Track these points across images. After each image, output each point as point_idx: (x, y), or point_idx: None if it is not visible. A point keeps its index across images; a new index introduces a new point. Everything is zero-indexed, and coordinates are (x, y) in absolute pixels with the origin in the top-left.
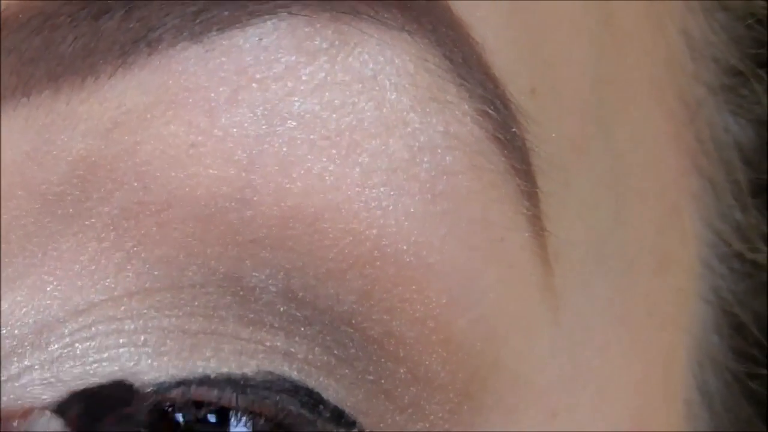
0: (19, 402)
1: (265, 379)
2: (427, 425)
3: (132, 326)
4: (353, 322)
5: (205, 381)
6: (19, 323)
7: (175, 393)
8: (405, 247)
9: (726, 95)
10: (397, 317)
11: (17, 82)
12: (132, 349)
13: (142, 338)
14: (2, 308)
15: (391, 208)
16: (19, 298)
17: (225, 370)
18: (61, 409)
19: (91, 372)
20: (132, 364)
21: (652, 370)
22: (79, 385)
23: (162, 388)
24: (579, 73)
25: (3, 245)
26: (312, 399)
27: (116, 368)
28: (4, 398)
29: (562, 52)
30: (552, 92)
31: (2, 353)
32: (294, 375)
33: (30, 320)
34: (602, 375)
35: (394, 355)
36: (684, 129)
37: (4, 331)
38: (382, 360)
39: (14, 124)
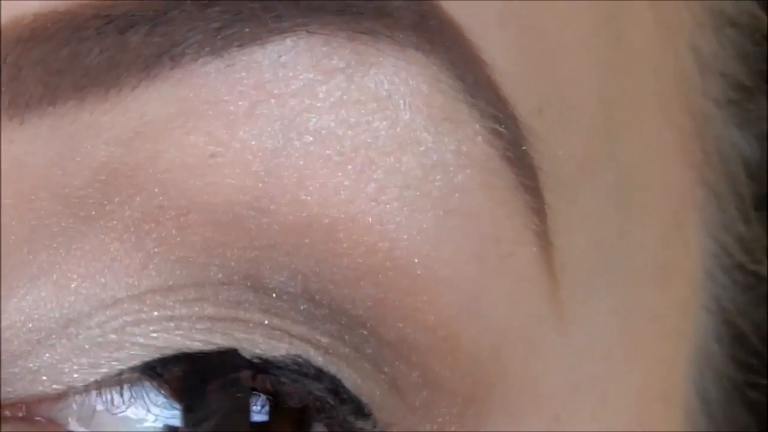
0: (53, 386)
1: (294, 362)
2: (435, 427)
3: (159, 315)
4: (368, 325)
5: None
6: (45, 317)
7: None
8: (416, 260)
9: (732, 109)
10: (410, 324)
11: (44, 92)
12: (165, 334)
13: (171, 325)
14: (27, 303)
15: (403, 223)
16: (43, 294)
17: (257, 351)
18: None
19: (126, 357)
20: (168, 344)
21: (654, 377)
22: (117, 366)
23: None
24: (587, 92)
25: (28, 244)
26: (334, 386)
27: (152, 351)
28: (37, 385)
29: (570, 71)
30: (559, 111)
31: (29, 345)
32: (320, 361)
33: (56, 314)
34: (605, 382)
35: (407, 359)
36: (690, 142)
37: (30, 325)
38: (396, 363)
39: (40, 132)
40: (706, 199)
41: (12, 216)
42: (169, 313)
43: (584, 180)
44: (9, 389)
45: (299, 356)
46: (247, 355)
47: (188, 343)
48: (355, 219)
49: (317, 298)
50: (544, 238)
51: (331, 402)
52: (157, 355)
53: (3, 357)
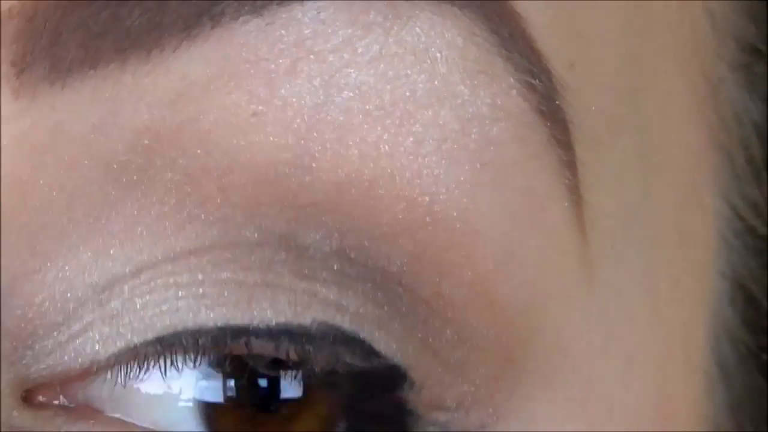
0: (79, 360)
1: (320, 330)
2: (472, 388)
3: (189, 279)
4: (403, 282)
5: (263, 332)
6: (82, 285)
7: (235, 345)
8: (455, 214)
9: (744, 73)
10: (446, 280)
11: (85, 55)
12: (191, 300)
13: (200, 291)
14: (66, 271)
15: (442, 176)
16: (83, 261)
17: (282, 320)
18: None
19: (150, 325)
20: (191, 315)
21: (675, 341)
22: (137, 339)
23: (222, 338)
24: (612, 50)
25: (68, 213)
26: (364, 350)
27: (176, 321)
28: (65, 358)
29: (597, 29)
30: (588, 67)
31: (64, 315)
32: (347, 326)
33: (93, 281)
34: (631, 345)
35: (442, 315)
36: (705, 104)
37: (68, 295)
38: (430, 320)
39: (81, 96)
40: (720, 162)
41: (52, 185)
42: (200, 276)
43: (612, 137)
44: (42, 366)
45: (326, 322)
46: (272, 323)
47: (211, 314)
48: (396, 173)
49: (352, 255)
50: (575, 193)
51: (362, 367)
52: (184, 324)
53: (39, 330)
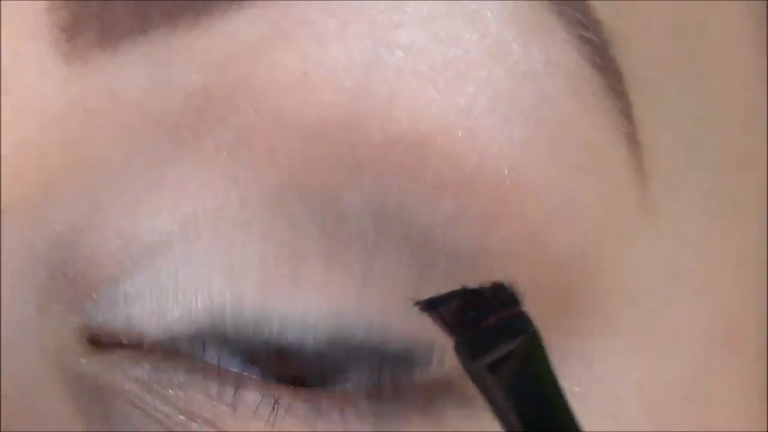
0: (128, 330)
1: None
2: None
3: (236, 255)
4: (446, 239)
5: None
6: (137, 243)
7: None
8: (506, 171)
9: None
10: (492, 234)
11: (134, 21)
12: (235, 278)
13: (245, 266)
14: (125, 229)
15: (494, 134)
16: (139, 220)
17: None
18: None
19: (195, 305)
20: (236, 296)
21: (741, 263)
22: (181, 320)
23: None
24: None
25: (125, 171)
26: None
27: (214, 302)
28: (117, 320)
29: None
30: (635, 12)
31: (119, 273)
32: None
33: (149, 240)
34: (696, 276)
35: (488, 267)
36: (763, 25)
37: (126, 251)
38: (476, 274)
39: (132, 60)
40: None
41: (107, 146)
42: (241, 250)
43: (666, 76)
44: (108, 315)
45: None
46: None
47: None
48: (446, 132)
49: (393, 215)
50: (633, 140)
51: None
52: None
53: (97, 280)
